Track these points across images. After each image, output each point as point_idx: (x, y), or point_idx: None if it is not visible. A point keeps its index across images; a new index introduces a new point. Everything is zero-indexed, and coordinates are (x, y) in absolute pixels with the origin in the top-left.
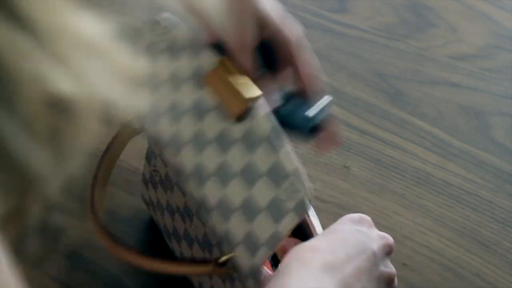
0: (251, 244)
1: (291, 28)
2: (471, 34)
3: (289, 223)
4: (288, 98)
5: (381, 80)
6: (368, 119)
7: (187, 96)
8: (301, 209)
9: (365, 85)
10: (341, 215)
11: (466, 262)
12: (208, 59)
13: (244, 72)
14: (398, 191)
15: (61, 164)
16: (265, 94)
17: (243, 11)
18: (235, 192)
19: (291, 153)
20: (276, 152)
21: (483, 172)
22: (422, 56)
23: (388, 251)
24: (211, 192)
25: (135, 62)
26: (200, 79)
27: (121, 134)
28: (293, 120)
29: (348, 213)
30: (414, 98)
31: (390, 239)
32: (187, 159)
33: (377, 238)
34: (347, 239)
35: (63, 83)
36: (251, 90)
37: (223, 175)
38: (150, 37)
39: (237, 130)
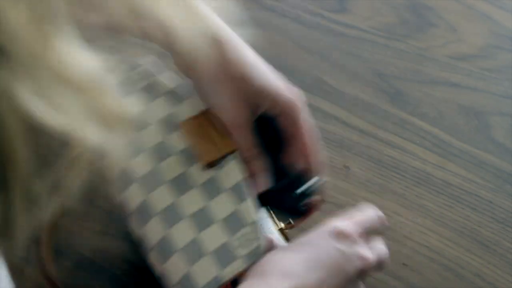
0: (188, 286)
1: (290, 98)
2: (471, 34)
3: (235, 269)
4: (283, 176)
5: (381, 80)
6: (368, 119)
7: (151, 137)
8: (252, 258)
9: (365, 85)
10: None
11: (466, 262)
12: (186, 108)
13: (241, 146)
14: (398, 191)
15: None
16: (257, 174)
17: (233, 91)
18: (180, 234)
19: (253, 207)
20: (238, 203)
21: (483, 172)
22: (422, 56)
23: (364, 275)
24: (152, 231)
25: (119, 105)
26: (171, 124)
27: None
28: (280, 200)
29: None
30: (414, 98)
31: (370, 260)
32: (133, 195)
33: (355, 260)
34: (322, 260)
35: (38, 111)
36: (229, 142)
37: (170, 216)
38: (130, 75)
39: (200, 176)
